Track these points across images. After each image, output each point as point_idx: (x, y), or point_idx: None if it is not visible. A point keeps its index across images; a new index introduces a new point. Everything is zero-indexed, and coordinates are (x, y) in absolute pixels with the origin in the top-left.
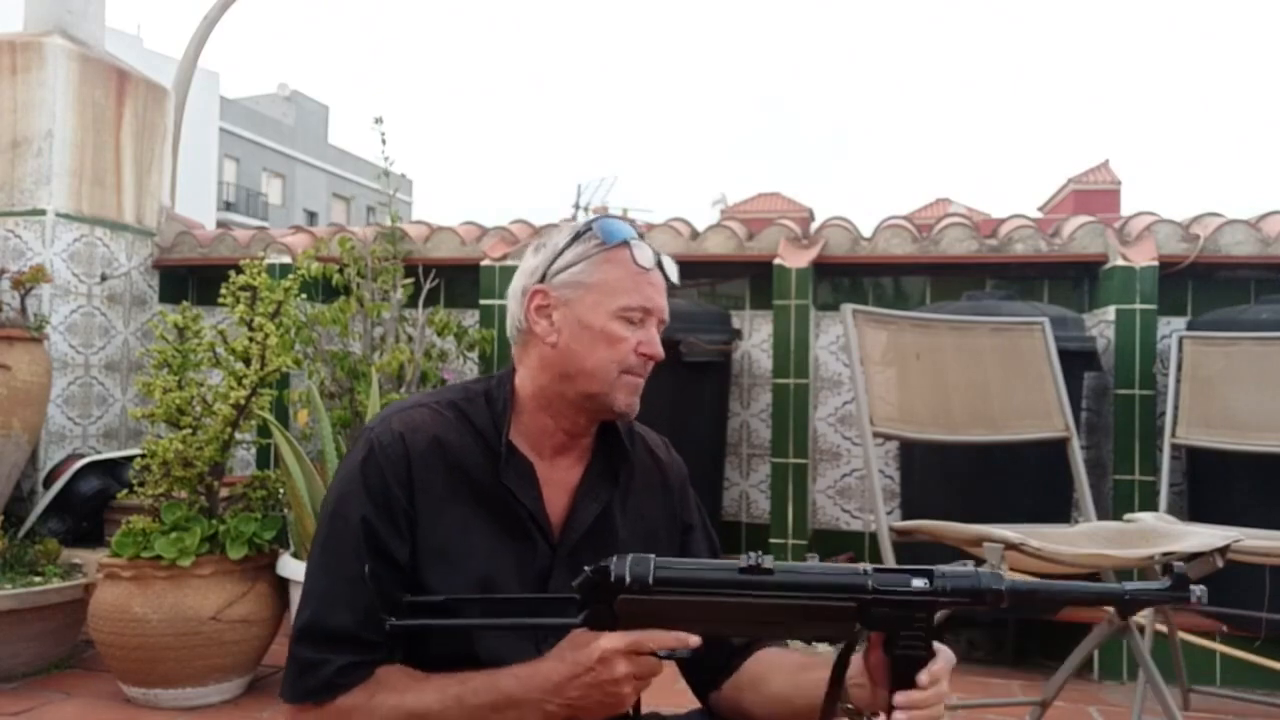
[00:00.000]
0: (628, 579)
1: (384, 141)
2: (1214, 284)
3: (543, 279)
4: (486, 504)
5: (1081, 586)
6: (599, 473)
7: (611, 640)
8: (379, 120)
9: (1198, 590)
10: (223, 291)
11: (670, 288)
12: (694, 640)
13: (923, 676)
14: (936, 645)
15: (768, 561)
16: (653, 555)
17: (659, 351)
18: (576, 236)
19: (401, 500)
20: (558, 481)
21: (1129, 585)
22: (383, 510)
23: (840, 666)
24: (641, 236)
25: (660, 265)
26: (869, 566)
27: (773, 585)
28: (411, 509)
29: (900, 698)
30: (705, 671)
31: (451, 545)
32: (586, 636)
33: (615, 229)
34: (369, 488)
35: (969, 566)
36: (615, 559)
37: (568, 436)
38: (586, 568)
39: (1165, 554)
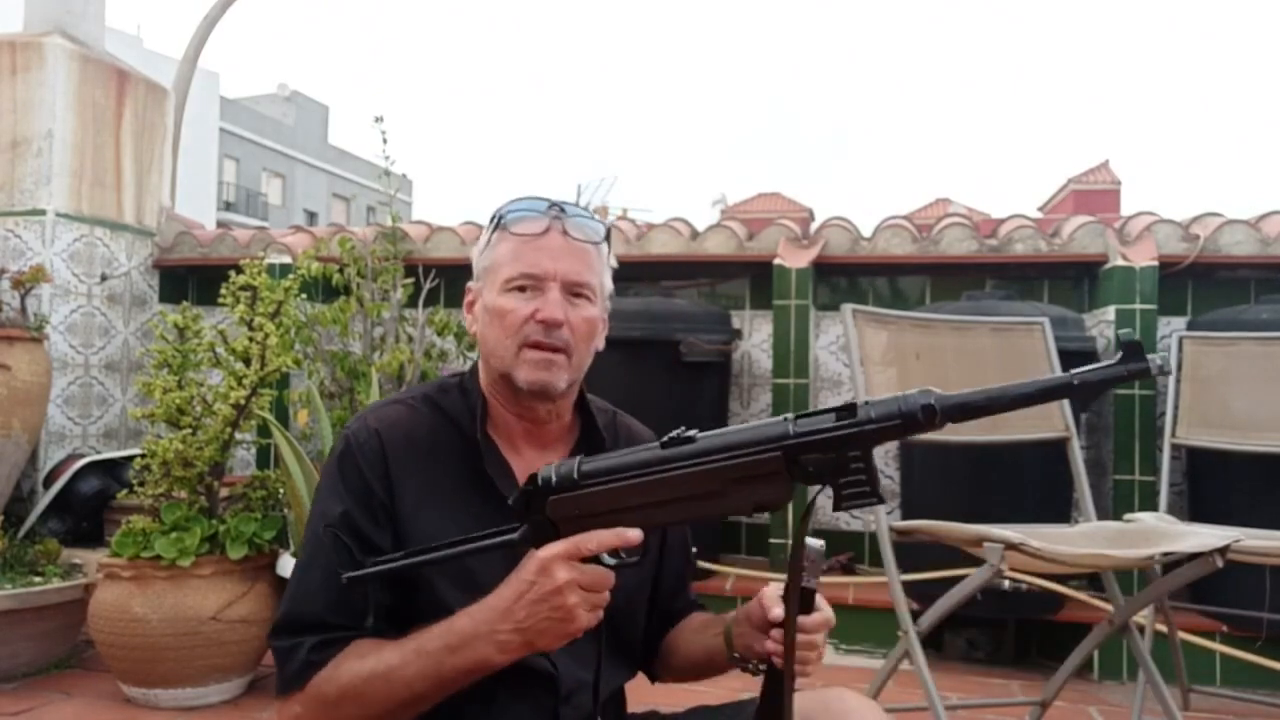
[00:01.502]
0: (554, 479)
1: (385, 140)
2: (1214, 284)
3: (475, 275)
4: (466, 495)
5: (1022, 385)
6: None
7: (549, 548)
8: (379, 119)
9: (1157, 359)
10: (223, 291)
11: (579, 243)
12: (634, 534)
13: (806, 621)
14: (819, 601)
15: (691, 433)
16: (577, 457)
17: (554, 315)
18: (492, 227)
19: (380, 494)
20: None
21: (1076, 370)
22: (362, 504)
23: (795, 552)
24: (554, 205)
25: (565, 230)
26: (791, 415)
27: (696, 453)
28: (391, 503)
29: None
30: (647, 648)
31: (432, 537)
32: (531, 555)
33: (511, 208)
34: (347, 484)
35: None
36: (541, 469)
37: (529, 423)
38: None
39: (1165, 554)
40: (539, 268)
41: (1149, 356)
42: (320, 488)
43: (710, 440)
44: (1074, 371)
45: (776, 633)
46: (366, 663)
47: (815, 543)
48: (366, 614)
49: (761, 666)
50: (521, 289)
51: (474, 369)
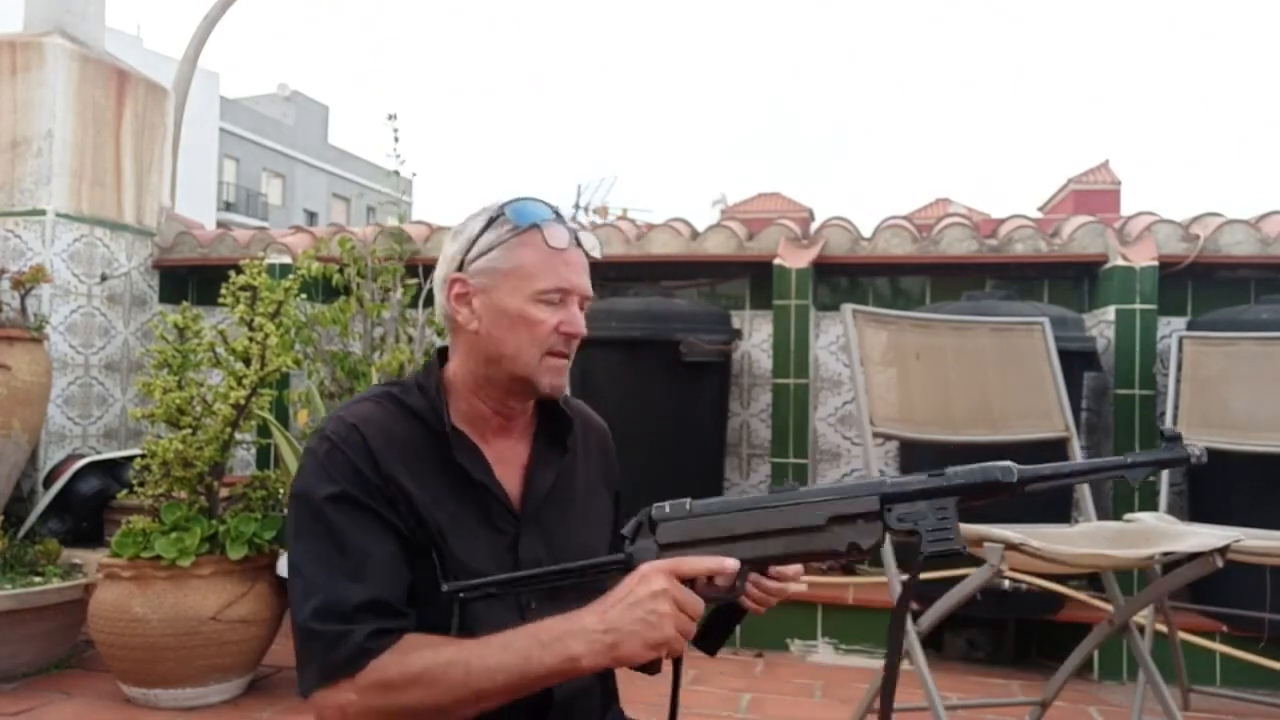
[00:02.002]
0: (668, 510)
1: (396, 139)
2: (1214, 284)
3: (461, 267)
4: (445, 484)
5: (1086, 463)
6: (546, 444)
7: (654, 561)
8: (393, 116)
9: (1196, 449)
10: (223, 291)
11: (595, 265)
12: (731, 563)
13: (780, 570)
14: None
15: (793, 484)
16: (688, 498)
17: (580, 329)
18: (490, 222)
19: (375, 480)
20: (508, 460)
21: (1130, 456)
22: (361, 488)
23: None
24: (558, 214)
25: (580, 243)
26: (886, 475)
27: (800, 494)
28: (384, 488)
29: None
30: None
31: (423, 527)
32: (638, 568)
33: (526, 211)
34: (342, 473)
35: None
36: (655, 505)
37: (504, 418)
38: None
39: (1165, 554)
40: (569, 282)
41: (1188, 446)
42: (305, 485)
43: (812, 488)
44: (1128, 456)
45: (754, 576)
46: (443, 651)
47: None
48: (448, 628)
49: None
50: (550, 302)
51: (430, 367)
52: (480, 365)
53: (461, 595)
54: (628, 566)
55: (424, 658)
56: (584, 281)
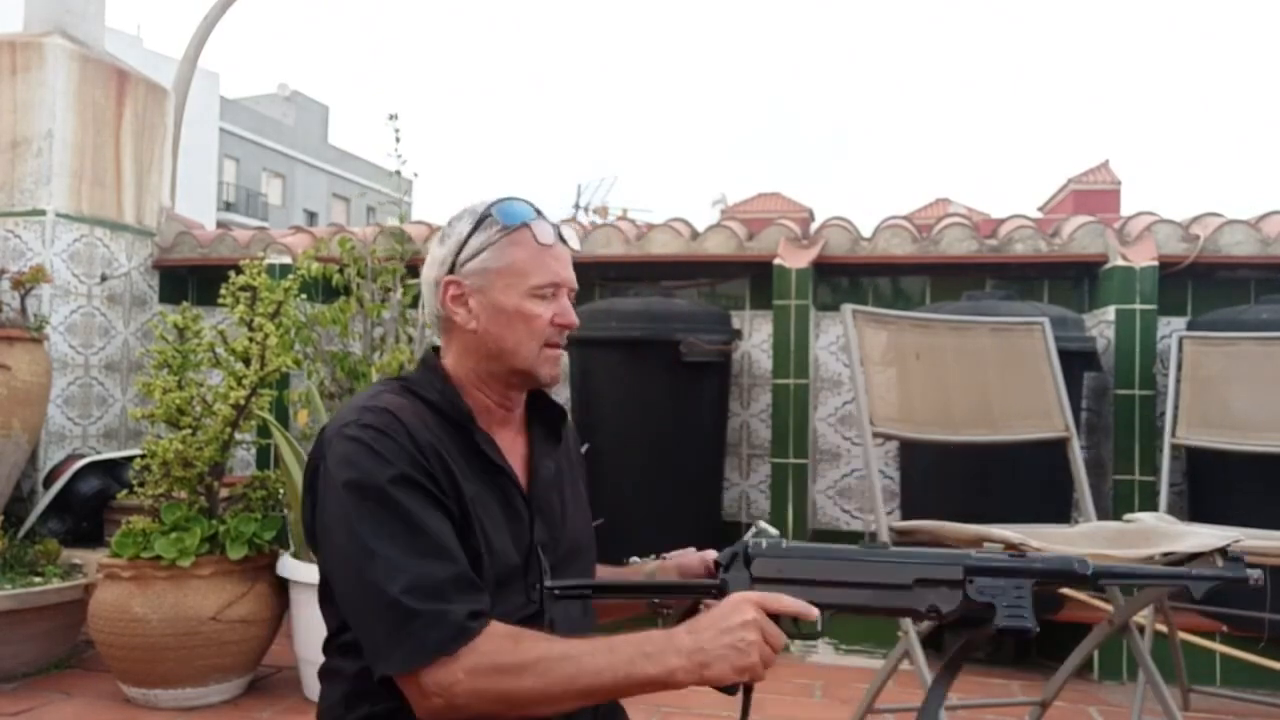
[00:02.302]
0: (765, 546)
1: (398, 139)
2: (1214, 284)
3: (452, 269)
4: (469, 471)
5: (1156, 569)
6: (543, 435)
7: (747, 592)
8: (394, 116)
9: (1255, 573)
10: (223, 292)
11: (595, 265)
12: (814, 612)
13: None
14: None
15: (885, 542)
16: (780, 535)
17: (573, 320)
18: (478, 224)
19: (424, 462)
20: (509, 451)
21: (1194, 570)
22: (417, 470)
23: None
24: (539, 213)
25: (562, 238)
26: (972, 550)
27: (891, 553)
28: (432, 471)
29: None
30: None
31: (468, 508)
32: (730, 596)
33: (513, 211)
34: (397, 456)
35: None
36: (752, 538)
37: (505, 410)
38: (690, 547)
39: (1165, 554)
40: (559, 276)
41: (1249, 571)
42: (358, 468)
43: (900, 550)
44: (1190, 570)
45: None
46: (555, 645)
47: (773, 530)
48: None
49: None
50: (544, 296)
51: (429, 363)
52: (481, 361)
53: (557, 594)
54: (721, 592)
55: (539, 647)
56: (571, 274)
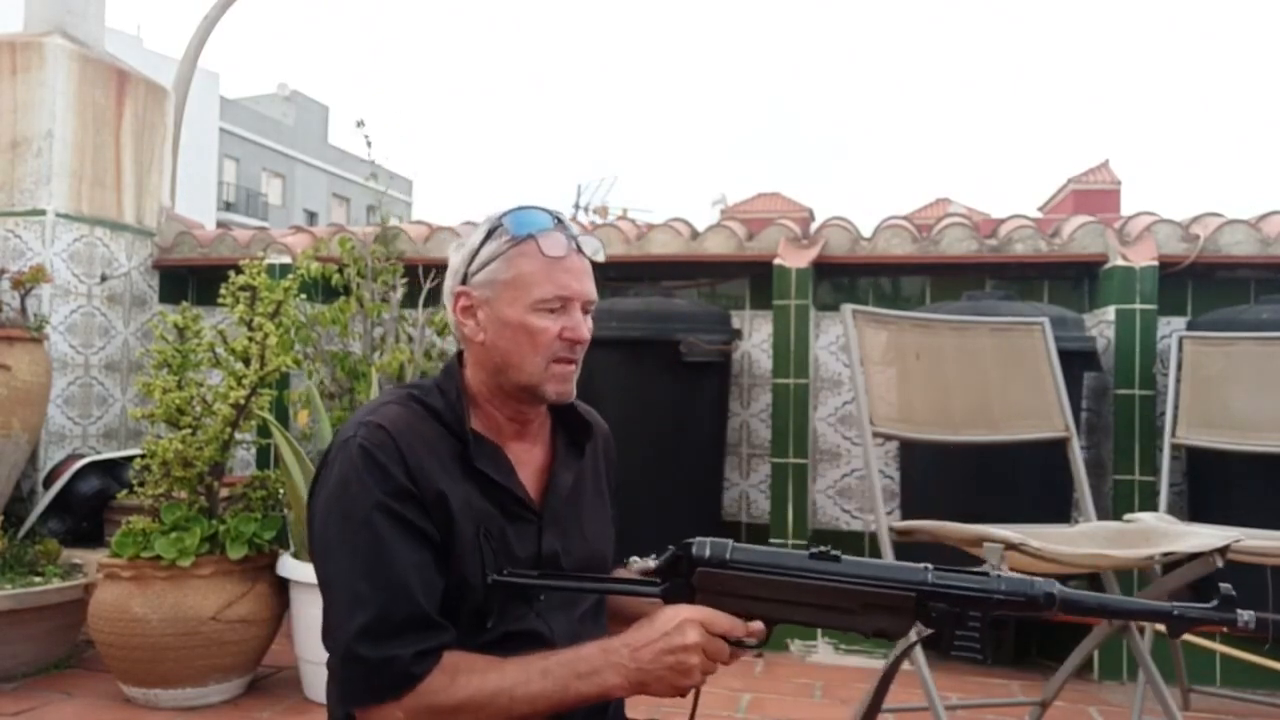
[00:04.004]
0: (707, 555)
1: (369, 144)
2: (1214, 284)
3: (464, 279)
4: (470, 485)
5: (1130, 601)
6: (566, 446)
7: (690, 610)
8: (360, 124)
9: (1245, 615)
10: (222, 291)
11: (595, 265)
12: (759, 628)
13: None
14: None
15: (836, 553)
16: (729, 540)
17: (584, 335)
18: (489, 234)
19: (410, 487)
20: (525, 463)
21: (1177, 605)
22: (398, 495)
23: (888, 675)
24: (560, 221)
25: (580, 248)
26: (930, 566)
27: (838, 572)
28: (418, 494)
29: None
30: None
31: (454, 526)
32: (670, 608)
33: (523, 221)
34: (378, 480)
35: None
36: (696, 540)
37: (519, 424)
38: (670, 546)
39: (1165, 554)
40: (569, 290)
41: (1239, 612)
42: (339, 495)
43: (853, 565)
44: (1174, 605)
45: None
46: (489, 678)
47: None
48: (488, 615)
49: None
50: (551, 310)
51: (450, 370)
52: (490, 375)
53: (494, 579)
54: (662, 597)
55: (470, 684)
56: (585, 287)
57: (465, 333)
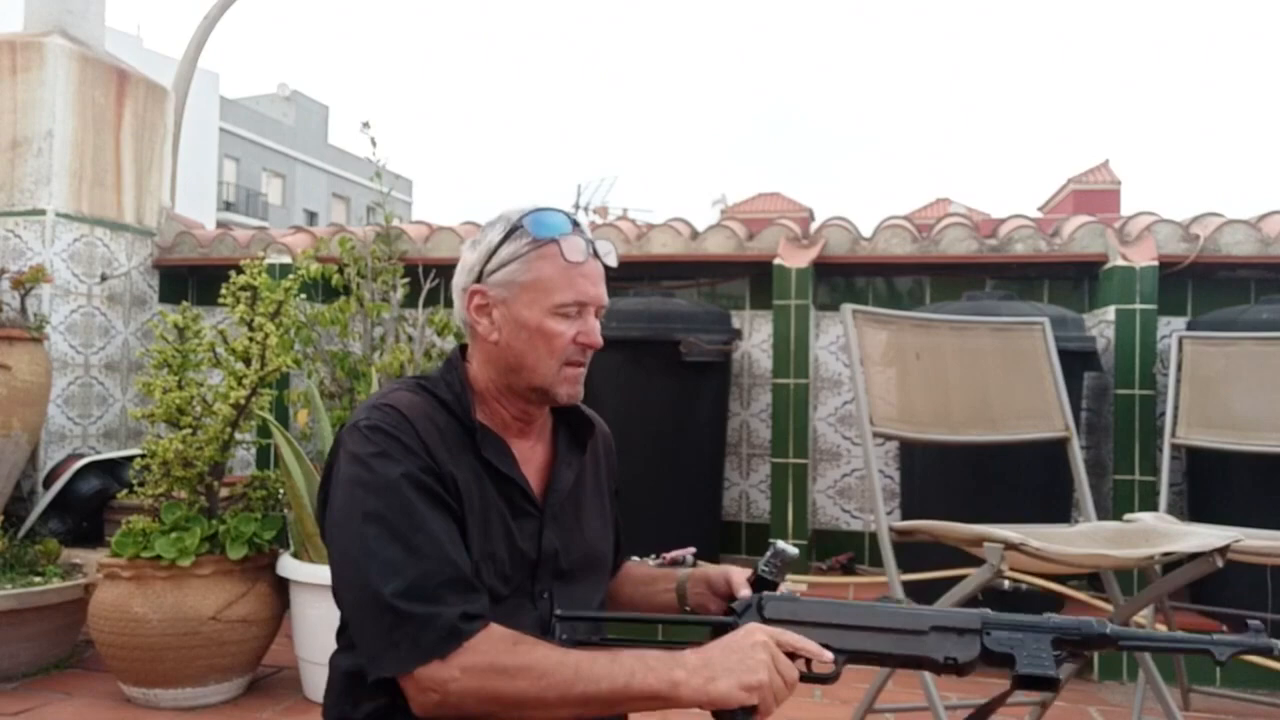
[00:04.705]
0: (779, 594)
1: (374, 144)
2: (1214, 284)
3: (479, 278)
4: (474, 474)
5: (1174, 635)
6: (568, 444)
7: (761, 625)
8: (366, 125)
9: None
10: (223, 291)
11: (609, 271)
12: (828, 655)
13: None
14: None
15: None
16: (797, 595)
17: (598, 341)
18: (509, 233)
19: (430, 463)
20: (527, 460)
21: (1216, 636)
22: (421, 467)
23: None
24: (576, 225)
25: (597, 253)
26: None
27: (904, 606)
28: (438, 471)
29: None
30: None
31: (464, 511)
32: (744, 626)
33: (545, 224)
34: (402, 453)
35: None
36: (768, 558)
37: (523, 423)
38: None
39: (1165, 554)
40: (586, 295)
41: (1272, 641)
42: (361, 463)
43: (917, 605)
44: (1214, 636)
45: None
46: (553, 650)
47: (791, 549)
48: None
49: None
50: (568, 315)
51: (453, 364)
52: (500, 374)
53: (559, 616)
54: (733, 627)
55: (537, 651)
56: (600, 292)
57: (479, 331)
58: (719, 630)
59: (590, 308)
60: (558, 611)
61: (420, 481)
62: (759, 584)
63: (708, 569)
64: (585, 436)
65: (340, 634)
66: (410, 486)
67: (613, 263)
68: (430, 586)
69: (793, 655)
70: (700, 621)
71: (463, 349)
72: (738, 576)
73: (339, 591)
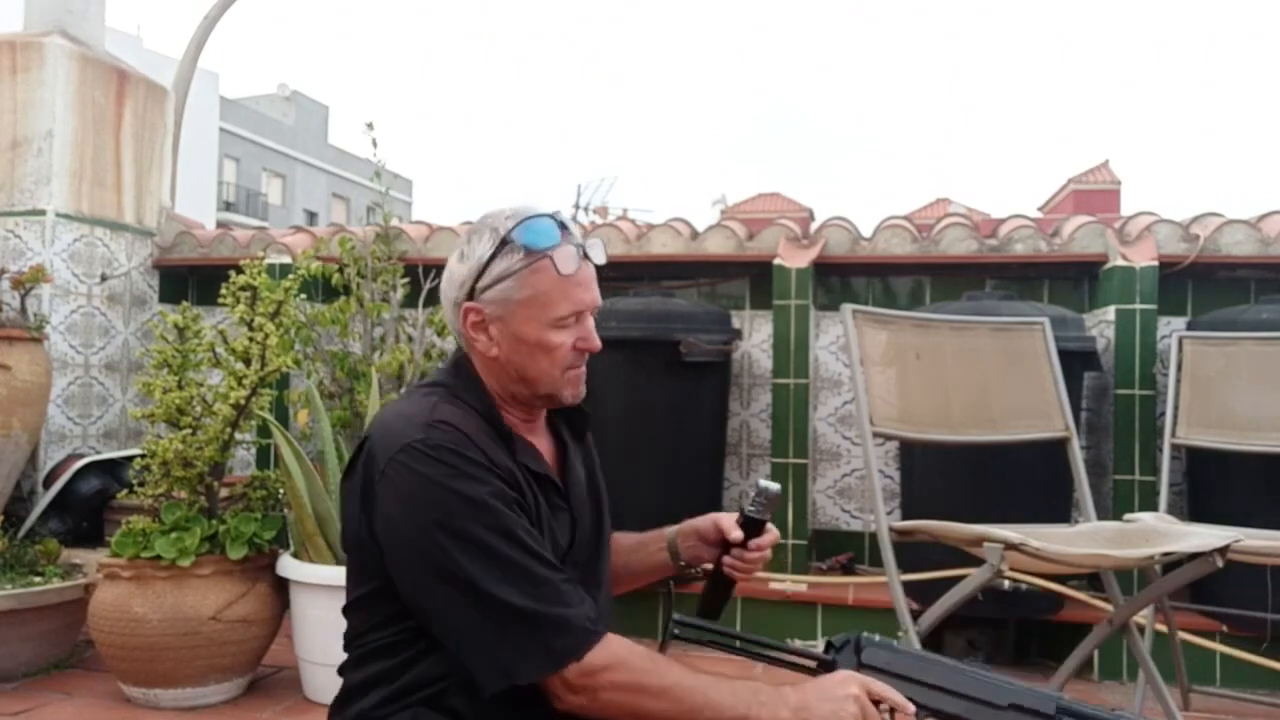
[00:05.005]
0: (877, 639)
1: (375, 145)
2: (1214, 284)
3: (472, 294)
4: (520, 478)
5: None
6: (571, 438)
7: (855, 674)
8: (370, 125)
9: None
10: (223, 291)
11: (606, 269)
12: (910, 708)
13: (758, 542)
14: (769, 526)
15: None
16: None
17: (596, 344)
18: (499, 248)
19: (496, 471)
20: (542, 454)
21: None
22: (497, 479)
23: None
24: (564, 227)
25: (587, 255)
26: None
27: (987, 675)
28: (504, 478)
29: (734, 555)
30: None
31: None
32: (839, 672)
33: (536, 236)
34: (478, 470)
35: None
36: (866, 633)
37: (530, 421)
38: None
39: (1165, 554)
40: (582, 303)
41: None
42: (443, 486)
43: (999, 676)
44: None
45: (736, 550)
46: (686, 672)
47: (774, 486)
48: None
49: (703, 569)
50: (566, 325)
51: (465, 371)
52: (504, 382)
53: (676, 633)
54: (829, 667)
55: (673, 672)
56: (594, 295)
57: (478, 348)
58: (821, 665)
59: (587, 313)
60: (676, 616)
61: (503, 494)
62: (747, 524)
63: (695, 521)
64: (583, 427)
65: (354, 647)
66: (498, 501)
67: (601, 260)
68: (554, 591)
69: (877, 701)
70: (801, 665)
71: (467, 356)
72: (726, 521)
73: (441, 614)
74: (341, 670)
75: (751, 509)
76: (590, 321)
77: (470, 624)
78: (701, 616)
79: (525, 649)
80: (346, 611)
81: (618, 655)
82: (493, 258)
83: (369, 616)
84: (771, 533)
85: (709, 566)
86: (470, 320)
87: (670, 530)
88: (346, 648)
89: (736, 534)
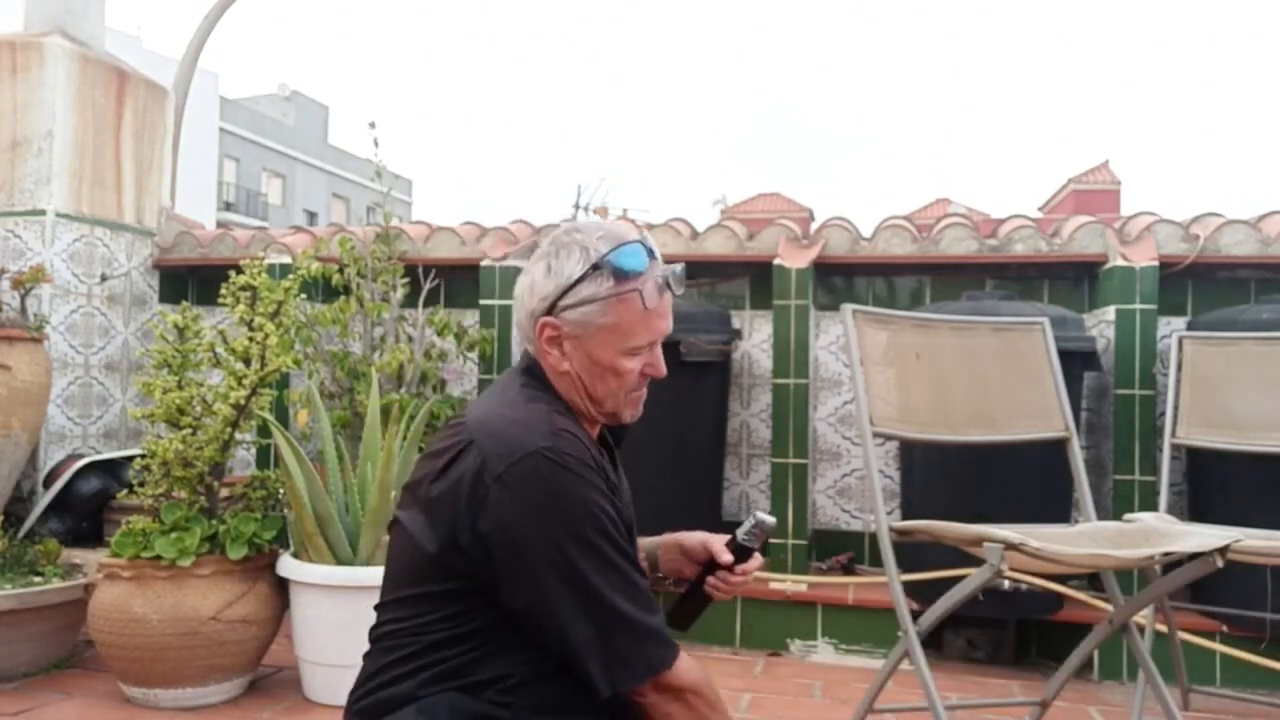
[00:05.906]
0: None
1: (377, 145)
2: (1214, 284)
3: (551, 309)
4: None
5: None
6: (611, 445)
7: None
8: (372, 125)
9: None
10: (223, 291)
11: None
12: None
13: (744, 567)
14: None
15: None
16: None
17: (662, 370)
18: (589, 271)
19: (608, 487)
20: None
21: None
22: (607, 489)
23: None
24: (652, 254)
25: (670, 285)
26: None
27: None
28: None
29: (718, 576)
30: None
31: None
32: None
33: (628, 266)
34: (598, 475)
35: None
36: (747, 528)
37: (591, 432)
38: None
39: (1165, 554)
40: (660, 332)
41: None
42: (569, 497)
43: None
44: None
45: (722, 572)
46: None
47: (770, 519)
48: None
49: (681, 584)
50: (639, 353)
51: (545, 383)
52: (570, 396)
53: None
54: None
55: (721, 701)
56: (668, 323)
57: (549, 361)
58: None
59: (659, 340)
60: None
61: (614, 503)
62: (738, 552)
63: (680, 536)
64: (623, 436)
65: (404, 637)
66: (614, 510)
67: (680, 291)
68: (648, 599)
69: None
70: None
71: (537, 364)
72: (716, 544)
73: (557, 619)
74: (373, 658)
75: (745, 538)
76: (659, 349)
77: (589, 630)
78: (672, 626)
79: (634, 652)
80: (401, 603)
81: (703, 677)
82: (581, 279)
83: (435, 608)
84: (757, 559)
85: (685, 580)
86: (546, 334)
87: (650, 541)
88: (387, 638)
89: (727, 557)
